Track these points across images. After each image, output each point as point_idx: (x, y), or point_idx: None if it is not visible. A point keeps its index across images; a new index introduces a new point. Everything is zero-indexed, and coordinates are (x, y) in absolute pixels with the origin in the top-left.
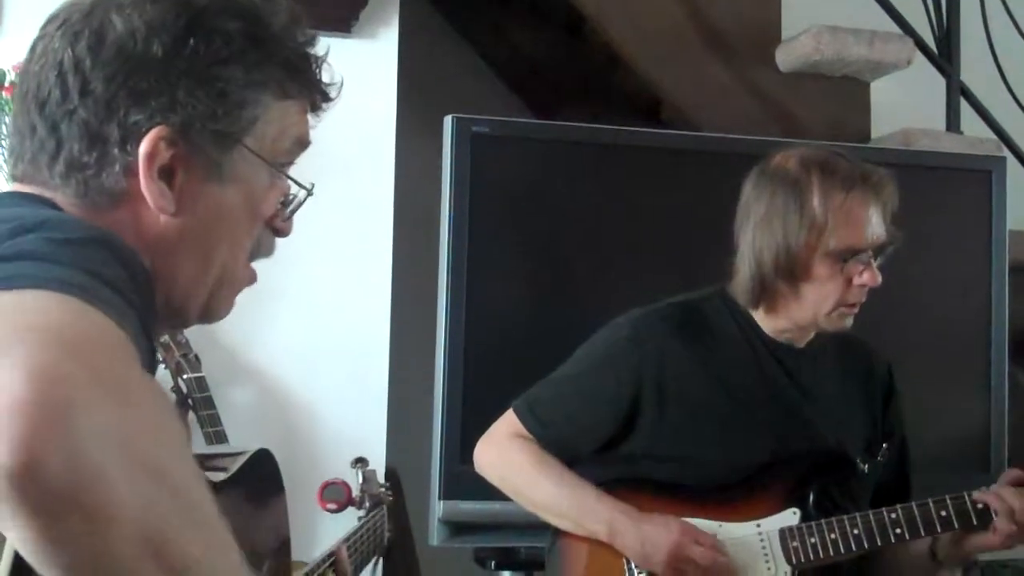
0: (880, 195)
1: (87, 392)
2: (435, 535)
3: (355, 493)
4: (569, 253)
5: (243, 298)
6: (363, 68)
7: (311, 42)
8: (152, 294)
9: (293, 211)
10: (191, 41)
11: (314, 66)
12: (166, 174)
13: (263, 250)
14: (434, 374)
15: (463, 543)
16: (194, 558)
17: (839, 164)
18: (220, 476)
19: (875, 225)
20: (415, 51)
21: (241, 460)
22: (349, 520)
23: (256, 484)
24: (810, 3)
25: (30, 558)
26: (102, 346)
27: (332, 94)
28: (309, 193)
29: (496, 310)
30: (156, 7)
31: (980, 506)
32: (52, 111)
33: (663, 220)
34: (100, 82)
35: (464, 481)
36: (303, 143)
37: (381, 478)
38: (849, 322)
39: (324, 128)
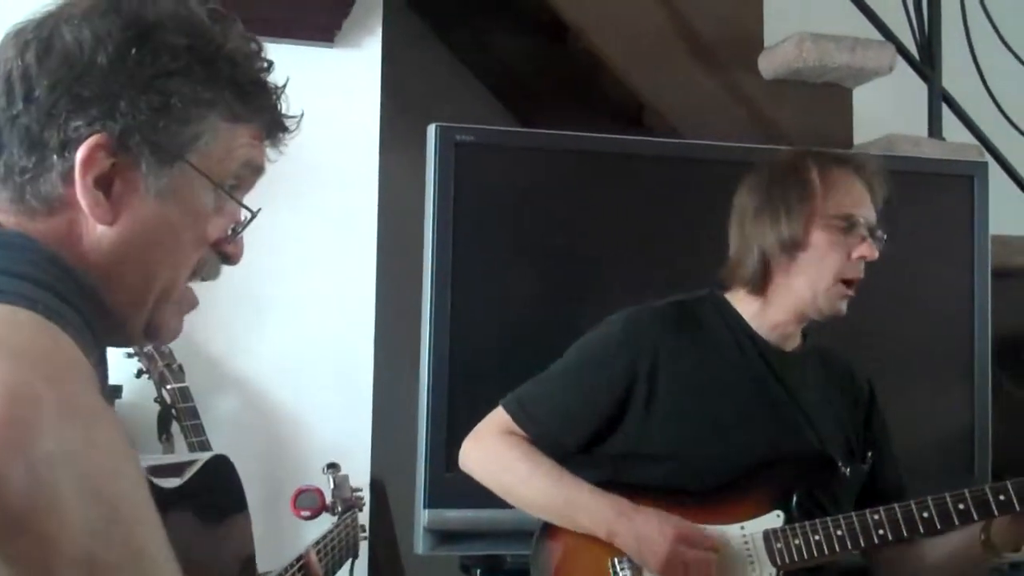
0: (870, 176)
1: (55, 417)
2: (420, 544)
3: (328, 499)
4: (553, 261)
5: (227, 308)
6: (346, 77)
7: (267, 69)
8: (99, 308)
9: (239, 232)
10: (135, 52)
11: (272, 95)
12: (104, 183)
13: (207, 272)
14: (419, 382)
15: (449, 551)
16: None
17: (831, 151)
18: (174, 482)
19: (868, 204)
20: (399, 60)
21: (194, 468)
22: (326, 526)
23: (213, 494)
24: (792, 10)
25: None
26: (70, 370)
27: (291, 126)
28: (253, 216)
29: (480, 318)
30: (104, 20)
31: (962, 507)
32: None
33: (647, 227)
34: (44, 89)
35: (449, 489)
36: (255, 168)
37: (365, 487)
38: (844, 307)
39: (308, 137)
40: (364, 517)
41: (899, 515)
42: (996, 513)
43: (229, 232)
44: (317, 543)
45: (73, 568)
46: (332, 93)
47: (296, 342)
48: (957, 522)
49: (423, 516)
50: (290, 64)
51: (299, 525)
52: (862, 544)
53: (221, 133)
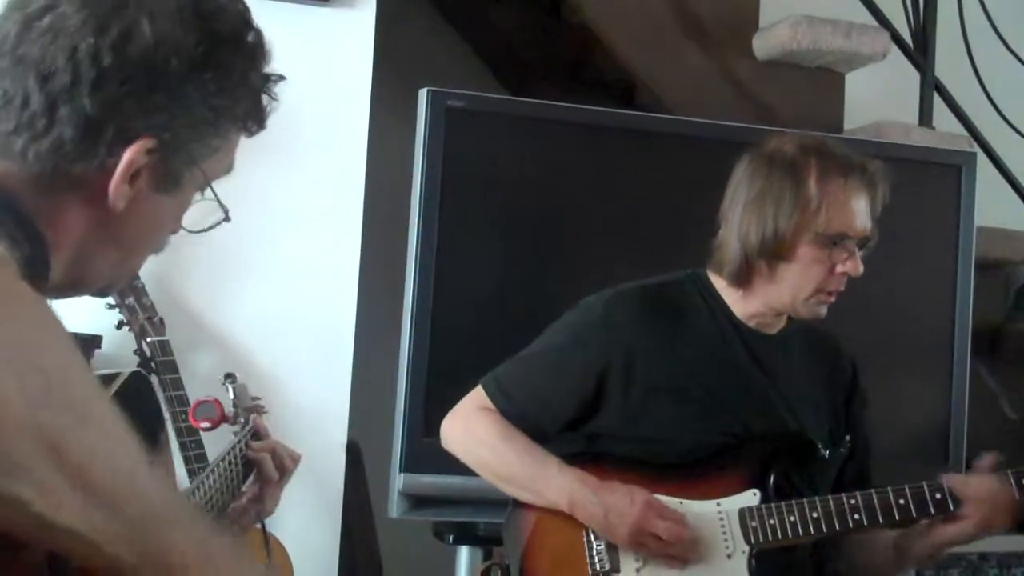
0: (874, 187)
1: None
2: (395, 508)
3: (228, 409)
4: (540, 231)
5: (211, 265)
6: (339, 38)
7: (276, 81)
8: (44, 265)
9: (208, 230)
10: (207, 70)
11: (268, 103)
12: (133, 178)
13: (160, 248)
14: (399, 347)
15: (423, 516)
16: (91, 451)
17: (837, 151)
18: None
19: (864, 215)
20: (392, 23)
21: (116, 384)
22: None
23: (133, 412)
24: None
25: None
26: None
27: (266, 124)
28: (227, 218)
29: (464, 285)
30: (184, 27)
31: (939, 496)
32: (55, 91)
33: (636, 201)
34: (115, 82)
35: (425, 454)
36: (231, 169)
37: (341, 449)
38: (824, 311)
39: (298, 98)
40: (336, 477)
41: (876, 501)
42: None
43: (200, 229)
44: (243, 431)
45: (23, 437)
46: (324, 54)
47: (279, 302)
48: (933, 511)
49: (398, 480)
50: (283, 23)
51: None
52: (837, 527)
53: (232, 141)
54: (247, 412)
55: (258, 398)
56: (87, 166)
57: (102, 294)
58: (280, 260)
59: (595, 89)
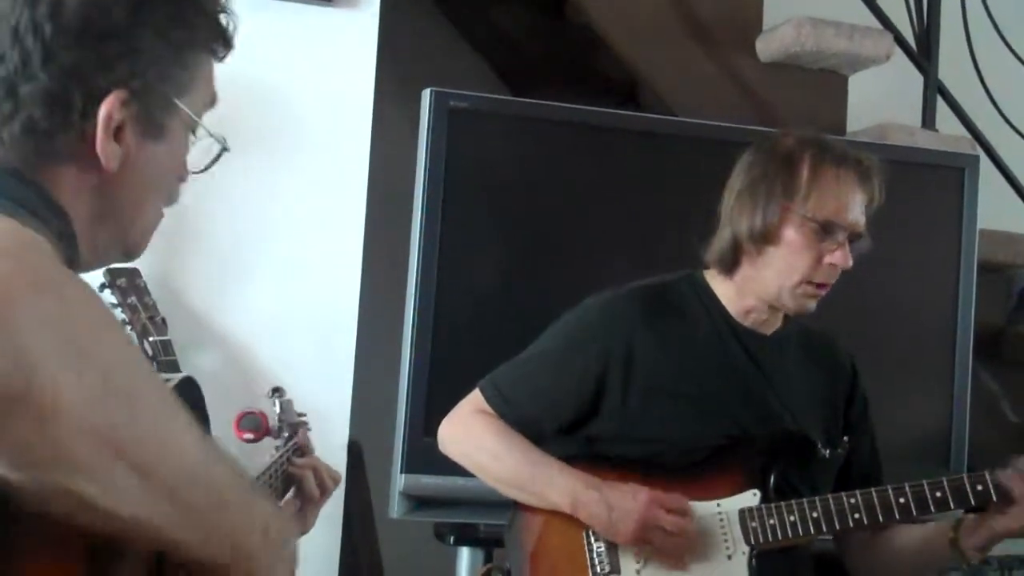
0: (868, 181)
1: (26, 289)
2: (396, 508)
3: (272, 423)
4: (542, 232)
5: (214, 265)
6: (342, 38)
7: None
8: (73, 238)
9: (210, 165)
10: (153, 10)
11: (228, 21)
12: (118, 134)
13: (173, 198)
14: (401, 346)
15: (423, 517)
16: (152, 441)
17: (835, 144)
18: None
19: (856, 208)
20: (396, 24)
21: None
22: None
23: None
24: None
25: None
26: (31, 248)
27: (233, 43)
28: (224, 148)
29: (466, 286)
30: None
31: (938, 495)
32: (9, 74)
33: (638, 202)
34: (64, 50)
35: (427, 455)
36: (215, 99)
37: (343, 449)
38: (812, 305)
39: (302, 97)
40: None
41: (876, 499)
42: (973, 502)
43: (203, 167)
44: (288, 444)
45: (83, 438)
46: (327, 54)
47: (280, 302)
48: (933, 509)
49: (399, 481)
50: (286, 23)
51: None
52: (837, 527)
53: (204, 71)
54: (292, 427)
55: (303, 414)
56: (67, 137)
57: (129, 258)
58: (282, 260)
59: (599, 90)
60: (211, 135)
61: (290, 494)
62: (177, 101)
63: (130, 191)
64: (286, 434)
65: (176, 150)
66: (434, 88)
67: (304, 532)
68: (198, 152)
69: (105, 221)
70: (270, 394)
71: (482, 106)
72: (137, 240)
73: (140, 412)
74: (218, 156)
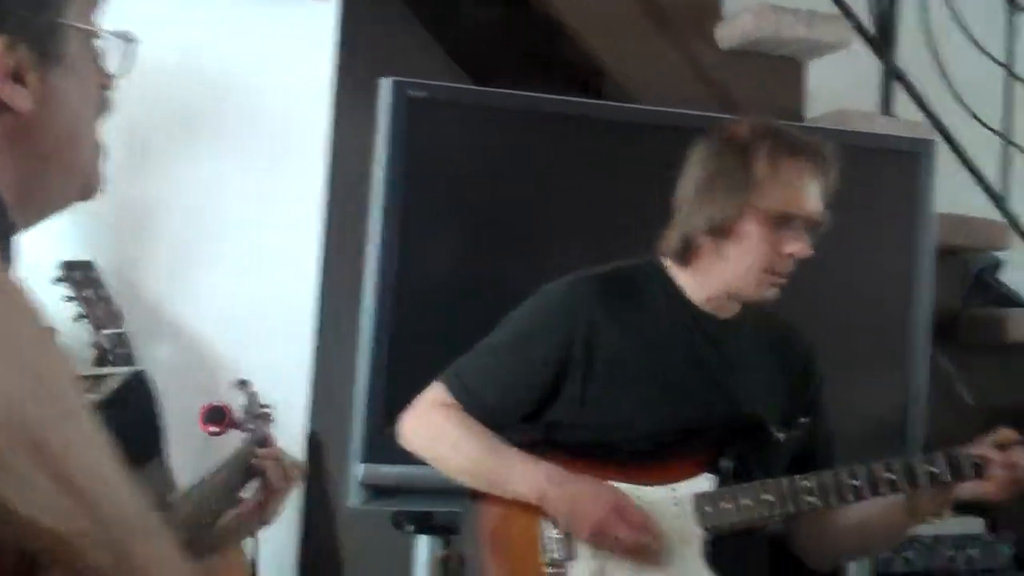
0: (824, 169)
1: None
2: (355, 497)
3: (237, 415)
4: (503, 221)
5: (170, 256)
6: (301, 29)
7: None
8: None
9: (129, 65)
10: None
11: None
12: (19, 77)
13: (105, 108)
14: (359, 335)
15: (382, 506)
16: (73, 451)
17: (790, 132)
18: (92, 397)
19: (814, 197)
20: (358, 14)
21: (116, 382)
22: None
23: (133, 409)
24: None
25: None
26: None
27: None
28: (131, 39)
29: (426, 274)
30: None
31: (891, 476)
32: None
33: (599, 190)
34: None
35: (385, 445)
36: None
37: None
38: (773, 293)
39: (260, 88)
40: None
41: (829, 482)
42: (925, 484)
43: (124, 69)
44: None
45: (5, 435)
46: (286, 44)
47: (239, 293)
48: (887, 491)
49: (358, 470)
50: (245, 13)
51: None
52: (791, 509)
53: None
54: (256, 419)
55: (267, 406)
56: None
57: (88, 194)
58: (240, 251)
59: (561, 79)
60: (116, 36)
61: (254, 485)
62: (62, 21)
63: (58, 125)
64: (251, 426)
65: (85, 67)
66: (393, 77)
67: (267, 523)
68: (113, 54)
69: (47, 164)
70: (235, 386)
71: (441, 95)
72: (88, 172)
73: (63, 419)
74: (132, 57)
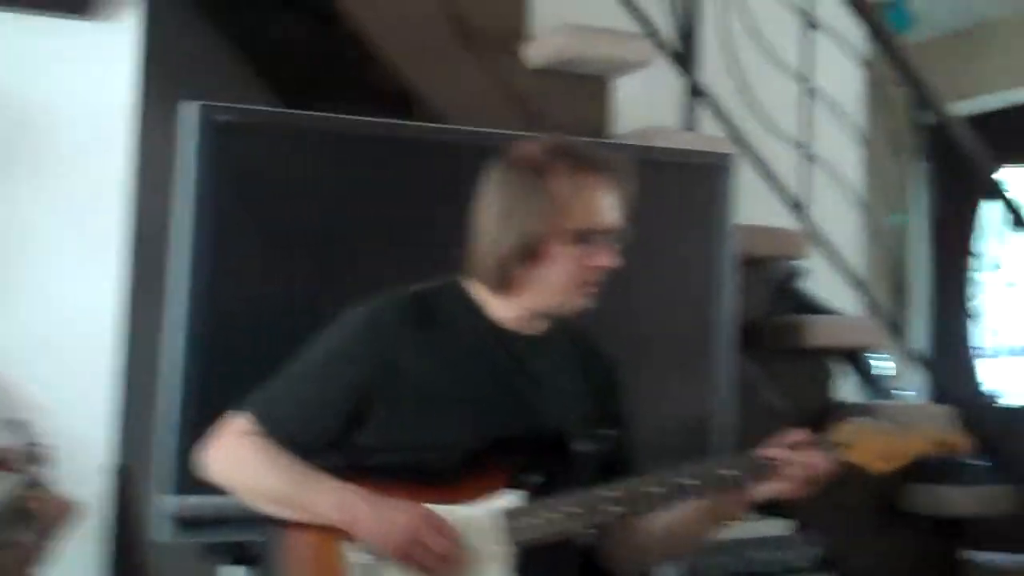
0: (619, 179)
1: None
2: (162, 531)
3: (9, 456)
4: (312, 245)
5: None
6: (99, 52)
7: None
8: None
9: None
10: None
11: None
12: None
13: None
14: (163, 364)
15: (191, 539)
16: None
17: (580, 149)
18: None
19: (613, 210)
20: (161, 37)
21: None
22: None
23: None
24: (559, 1)
25: None
26: None
27: None
28: None
29: (233, 300)
30: None
31: (692, 483)
32: None
33: (409, 211)
34: None
35: (193, 475)
36: None
37: (105, 474)
38: (588, 302)
39: (57, 113)
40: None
41: (634, 490)
42: (723, 488)
43: None
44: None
45: None
46: (83, 68)
47: (38, 325)
48: (688, 497)
49: (166, 502)
50: (40, 36)
51: None
52: (599, 520)
53: None
54: (27, 459)
55: (39, 444)
56: None
57: None
58: (38, 279)
59: (373, 103)
60: None
61: (26, 529)
62: None
63: None
64: (22, 468)
65: None
66: (198, 102)
67: (41, 564)
68: None
69: None
70: (5, 426)
71: (249, 119)
72: None
73: None
74: None
